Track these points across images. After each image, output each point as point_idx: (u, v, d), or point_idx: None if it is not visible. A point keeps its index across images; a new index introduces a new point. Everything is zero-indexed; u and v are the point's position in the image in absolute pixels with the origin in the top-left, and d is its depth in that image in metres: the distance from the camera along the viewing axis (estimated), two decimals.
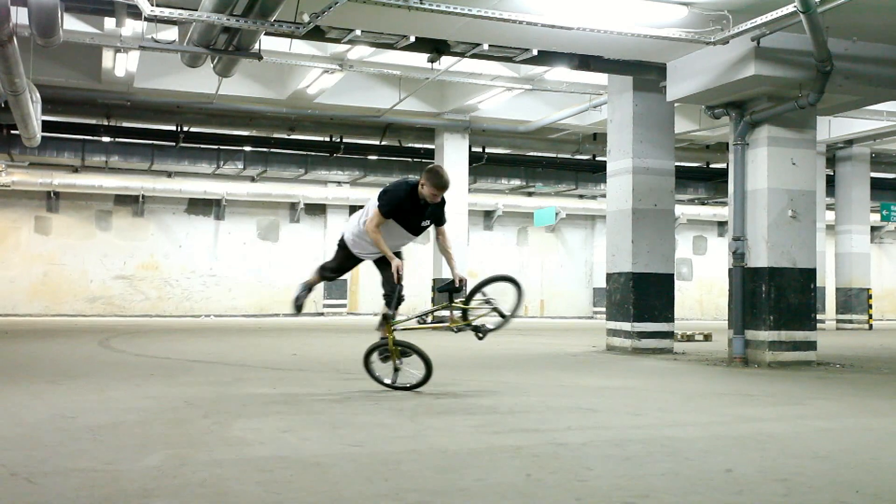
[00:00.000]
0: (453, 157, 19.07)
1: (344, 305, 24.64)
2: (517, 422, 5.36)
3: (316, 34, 10.00)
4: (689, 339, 13.93)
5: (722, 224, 27.90)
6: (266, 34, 10.18)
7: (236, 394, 6.51)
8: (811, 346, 10.18)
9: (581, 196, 26.01)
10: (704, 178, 24.50)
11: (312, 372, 8.43)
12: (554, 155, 22.20)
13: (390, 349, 6.51)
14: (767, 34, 9.38)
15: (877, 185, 23.29)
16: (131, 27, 12.09)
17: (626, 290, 11.70)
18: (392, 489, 3.52)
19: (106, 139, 19.77)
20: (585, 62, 11.43)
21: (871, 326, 21.40)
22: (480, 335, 6.50)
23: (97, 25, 12.79)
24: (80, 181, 21.72)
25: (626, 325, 11.69)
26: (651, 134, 11.82)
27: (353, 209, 24.56)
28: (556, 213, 23.95)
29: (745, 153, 10.37)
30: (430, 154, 20.04)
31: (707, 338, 14.15)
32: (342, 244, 6.90)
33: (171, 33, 11.47)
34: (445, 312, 6.70)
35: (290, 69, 16.10)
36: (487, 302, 6.52)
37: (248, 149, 21.03)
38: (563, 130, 19.40)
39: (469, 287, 6.70)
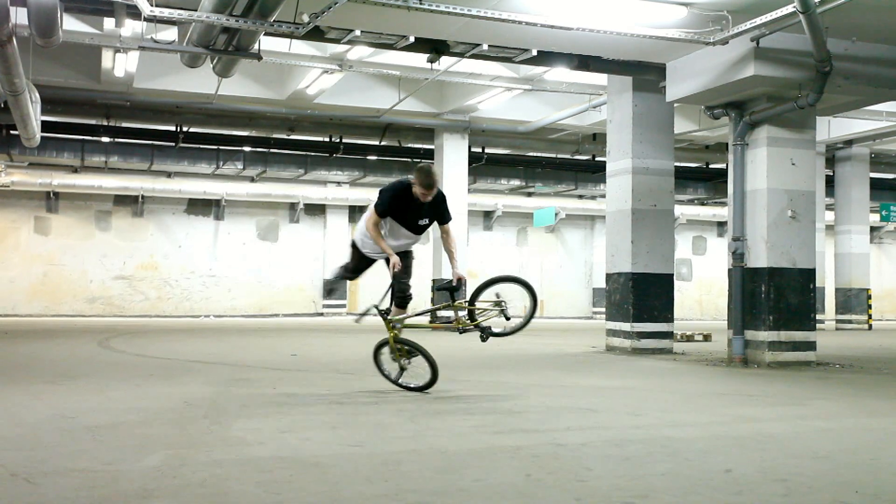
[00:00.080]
0: (453, 157, 19.07)
1: (343, 305, 24.64)
2: (517, 422, 5.36)
3: (315, 34, 10.00)
4: (689, 339, 13.94)
5: (721, 224, 27.91)
6: (265, 34, 10.18)
7: (236, 394, 6.51)
8: (811, 346, 10.19)
9: (580, 196, 26.01)
10: (704, 179, 24.50)
11: (312, 372, 8.43)
12: (553, 155, 22.21)
13: (391, 347, 6.52)
14: (767, 34, 9.39)
15: (876, 185, 23.29)
16: (131, 27, 12.09)
17: (625, 291, 11.70)
18: (392, 489, 3.52)
19: (105, 139, 19.76)
20: (585, 62, 11.43)
21: (870, 327, 21.41)
22: (484, 337, 6.45)
23: (97, 26, 12.79)
24: (80, 181, 21.71)
25: (625, 326, 11.69)
26: (651, 134, 11.82)
27: (353, 209, 24.64)
28: (556, 214, 23.95)
29: (744, 153, 10.38)
30: (429, 154, 20.04)
31: (707, 338, 14.15)
32: (353, 244, 7.01)
33: (170, 33, 11.46)
34: (446, 312, 6.68)
35: (290, 69, 16.10)
36: (498, 303, 6.49)
37: (247, 149, 21.03)
38: (563, 131, 19.40)
39: (473, 287, 6.69)
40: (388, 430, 4.95)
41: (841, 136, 19.11)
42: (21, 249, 22.43)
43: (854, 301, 21.39)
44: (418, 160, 21.11)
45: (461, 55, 11.27)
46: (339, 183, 24.00)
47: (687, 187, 24.18)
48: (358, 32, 10.11)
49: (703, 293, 28.81)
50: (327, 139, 20.43)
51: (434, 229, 6.84)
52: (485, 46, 10.71)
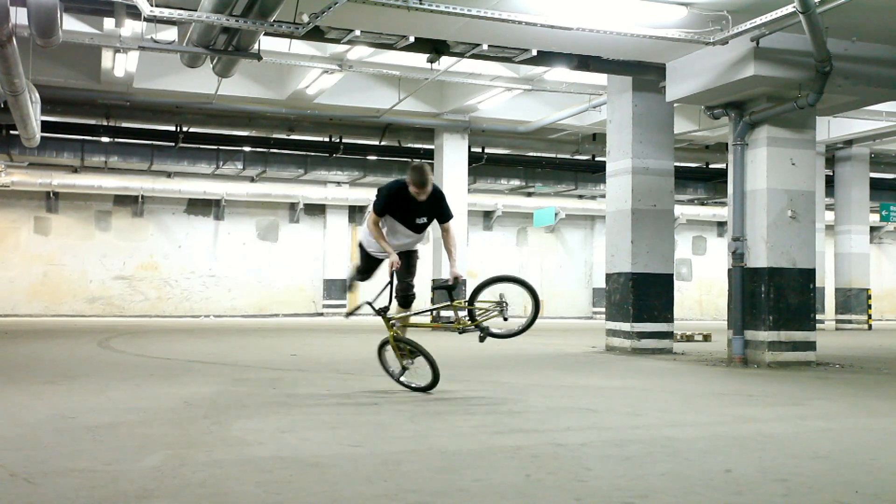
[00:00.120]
0: (453, 157, 19.08)
1: (343, 305, 24.64)
2: (516, 422, 5.36)
3: (315, 34, 10.00)
4: (689, 339, 13.94)
5: (721, 224, 27.91)
6: (265, 34, 10.18)
7: (236, 394, 6.51)
8: (810, 346, 10.19)
9: (580, 196, 26.01)
10: (704, 179, 24.51)
11: (312, 372, 8.42)
12: (553, 155, 22.21)
13: (391, 345, 6.52)
14: (767, 34, 9.38)
15: (876, 185, 23.30)
16: (131, 27, 12.09)
17: (625, 291, 11.70)
18: (392, 489, 3.52)
19: (105, 139, 19.76)
20: (585, 62, 11.43)
21: (870, 327, 21.41)
22: (482, 337, 6.43)
23: (96, 26, 12.79)
24: (80, 181, 21.72)
25: (625, 326, 11.69)
26: (650, 134, 11.82)
27: (353, 209, 24.65)
28: (556, 214, 23.95)
29: (744, 153, 10.37)
30: (429, 154, 20.03)
31: (706, 338, 14.15)
32: (360, 245, 7.05)
33: (170, 33, 11.46)
34: (446, 311, 6.67)
35: (290, 69, 16.10)
36: (499, 304, 6.48)
37: (247, 149, 21.03)
38: (563, 131, 19.40)
39: (473, 286, 6.68)
40: (388, 430, 4.95)
41: (841, 136, 19.11)
42: (21, 249, 22.43)
43: (854, 301, 21.40)
44: (418, 160, 21.10)
45: (461, 55, 11.27)
46: (338, 183, 24.00)
47: (687, 187, 24.19)
48: (358, 32, 10.11)
49: (703, 293, 28.81)
50: (327, 139, 20.43)
51: (436, 228, 6.84)
52: (485, 46, 10.71)
